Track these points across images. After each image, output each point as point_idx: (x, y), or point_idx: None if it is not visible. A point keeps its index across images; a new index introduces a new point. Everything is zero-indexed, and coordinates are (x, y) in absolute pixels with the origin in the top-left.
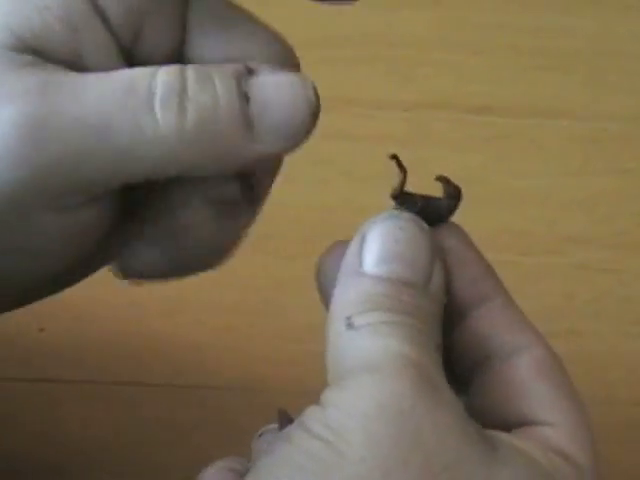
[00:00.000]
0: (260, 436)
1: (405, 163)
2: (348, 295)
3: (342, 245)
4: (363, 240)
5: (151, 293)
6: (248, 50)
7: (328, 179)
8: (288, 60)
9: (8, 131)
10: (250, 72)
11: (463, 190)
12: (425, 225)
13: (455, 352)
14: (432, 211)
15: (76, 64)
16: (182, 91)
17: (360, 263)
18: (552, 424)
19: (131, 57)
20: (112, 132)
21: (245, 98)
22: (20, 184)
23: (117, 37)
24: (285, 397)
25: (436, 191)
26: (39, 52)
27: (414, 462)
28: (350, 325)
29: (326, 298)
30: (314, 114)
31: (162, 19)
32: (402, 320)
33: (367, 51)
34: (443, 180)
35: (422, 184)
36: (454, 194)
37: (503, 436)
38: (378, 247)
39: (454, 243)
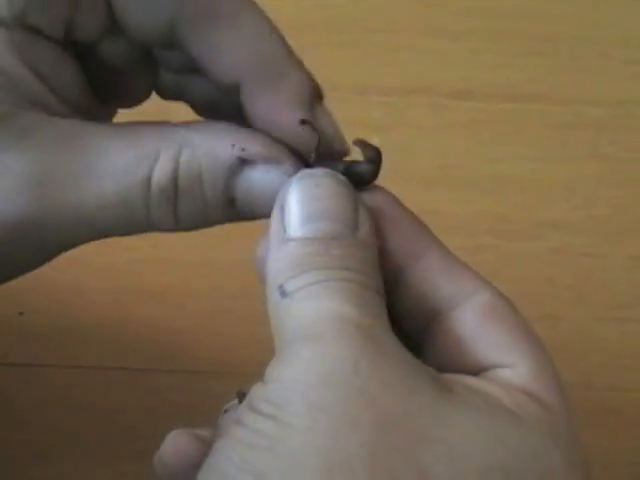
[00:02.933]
0: (225, 412)
1: (380, 146)
2: (277, 264)
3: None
4: (282, 206)
5: (133, 277)
6: None
7: None
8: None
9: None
10: (243, 163)
11: (443, 174)
12: (341, 176)
13: (403, 315)
14: (355, 175)
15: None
16: (174, 197)
17: (284, 229)
18: (510, 365)
19: (67, 41)
20: (109, 231)
21: (231, 201)
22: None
23: (51, 40)
24: None
25: (422, 175)
26: None
27: (363, 423)
28: (283, 293)
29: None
30: None
31: (86, 10)
32: (335, 275)
33: (346, 36)
34: (361, 144)
35: (401, 168)
36: (374, 157)
37: (461, 378)
38: (298, 209)
39: (383, 205)
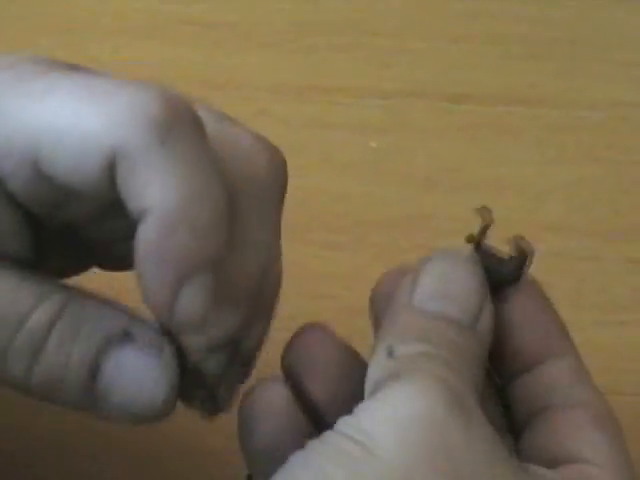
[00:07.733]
0: None
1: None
2: (394, 326)
3: (392, 276)
4: (417, 275)
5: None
6: None
7: (306, 166)
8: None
9: None
10: (126, 335)
11: (441, 178)
12: (479, 268)
13: (514, 400)
14: (499, 270)
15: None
16: (39, 347)
17: (411, 297)
18: (598, 464)
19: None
20: None
21: (94, 374)
22: None
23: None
24: None
25: (420, 177)
26: None
27: (442, 468)
28: (390, 354)
29: (376, 328)
30: (167, 400)
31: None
32: (442, 354)
33: (345, 39)
34: (515, 244)
35: (400, 171)
36: (520, 263)
37: (537, 468)
38: (429, 284)
39: (527, 300)
